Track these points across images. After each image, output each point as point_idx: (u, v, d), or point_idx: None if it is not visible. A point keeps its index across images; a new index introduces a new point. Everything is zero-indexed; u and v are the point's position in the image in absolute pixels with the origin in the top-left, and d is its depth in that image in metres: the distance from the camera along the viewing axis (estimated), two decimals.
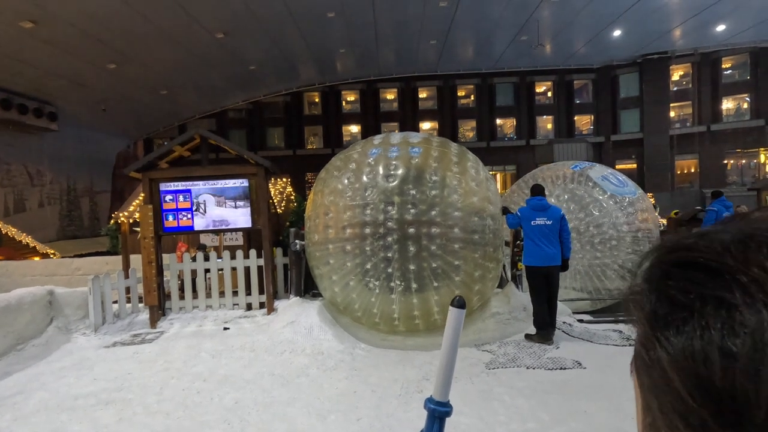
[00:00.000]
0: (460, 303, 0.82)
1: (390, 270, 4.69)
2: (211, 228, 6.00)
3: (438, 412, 0.84)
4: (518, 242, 5.91)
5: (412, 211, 4.65)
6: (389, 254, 4.66)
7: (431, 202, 4.68)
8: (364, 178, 4.88)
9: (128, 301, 6.16)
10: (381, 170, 4.86)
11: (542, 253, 4.69)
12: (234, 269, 6.18)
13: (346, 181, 5.00)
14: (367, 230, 4.71)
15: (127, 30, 16.96)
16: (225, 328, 5.40)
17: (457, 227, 4.68)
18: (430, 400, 0.84)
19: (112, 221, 11.23)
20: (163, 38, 18.37)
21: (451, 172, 4.88)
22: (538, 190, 4.93)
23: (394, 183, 4.76)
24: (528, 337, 4.75)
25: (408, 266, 4.68)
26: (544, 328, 4.66)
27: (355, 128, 30.69)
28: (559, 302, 5.55)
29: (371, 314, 4.96)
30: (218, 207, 5.88)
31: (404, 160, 4.91)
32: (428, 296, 4.76)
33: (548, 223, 4.70)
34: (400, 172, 4.80)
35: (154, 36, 17.98)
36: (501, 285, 6.13)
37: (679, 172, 27.17)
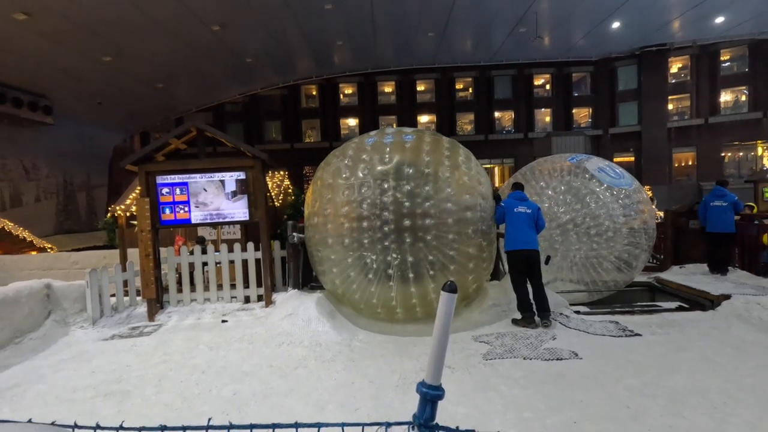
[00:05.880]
0: (451, 287, 0.83)
1: (386, 243, 4.84)
2: (208, 221, 5.99)
3: (430, 396, 0.85)
4: None
5: (407, 188, 4.85)
6: (385, 230, 4.82)
7: (425, 180, 4.90)
8: (361, 162, 5.11)
9: (126, 294, 6.16)
10: (377, 154, 5.10)
11: (523, 238, 5.15)
12: (232, 262, 6.19)
13: (343, 165, 5.21)
14: (364, 208, 4.87)
15: (122, 22, 16.78)
16: (223, 321, 5.41)
17: (449, 203, 4.89)
18: (422, 384, 0.85)
19: (108, 215, 11.20)
20: (158, 31, 18.19)
21: (443, 155, 5.14)
22: (518, 187, 5.63)
23: (390, 165, 4.97)
24: (515, 321, 4.98)
25: (404, 246, 4.82)
26: (529, 311, 4.98)
27: (352, 121, 30.57)
28: (556, 294, 5.62)
29: (369, 294, 5.04)
30: (215, 200, 5.87)
31: (398, 144, 5.16)
32: (422, 273, 4.89)
33: (528, 211, 5.24)
34: (395, 155, 5.04)
35: (150, 28, 17.80)
36: (498, 277, 6.17)
37: (676, 165, 27.21)
